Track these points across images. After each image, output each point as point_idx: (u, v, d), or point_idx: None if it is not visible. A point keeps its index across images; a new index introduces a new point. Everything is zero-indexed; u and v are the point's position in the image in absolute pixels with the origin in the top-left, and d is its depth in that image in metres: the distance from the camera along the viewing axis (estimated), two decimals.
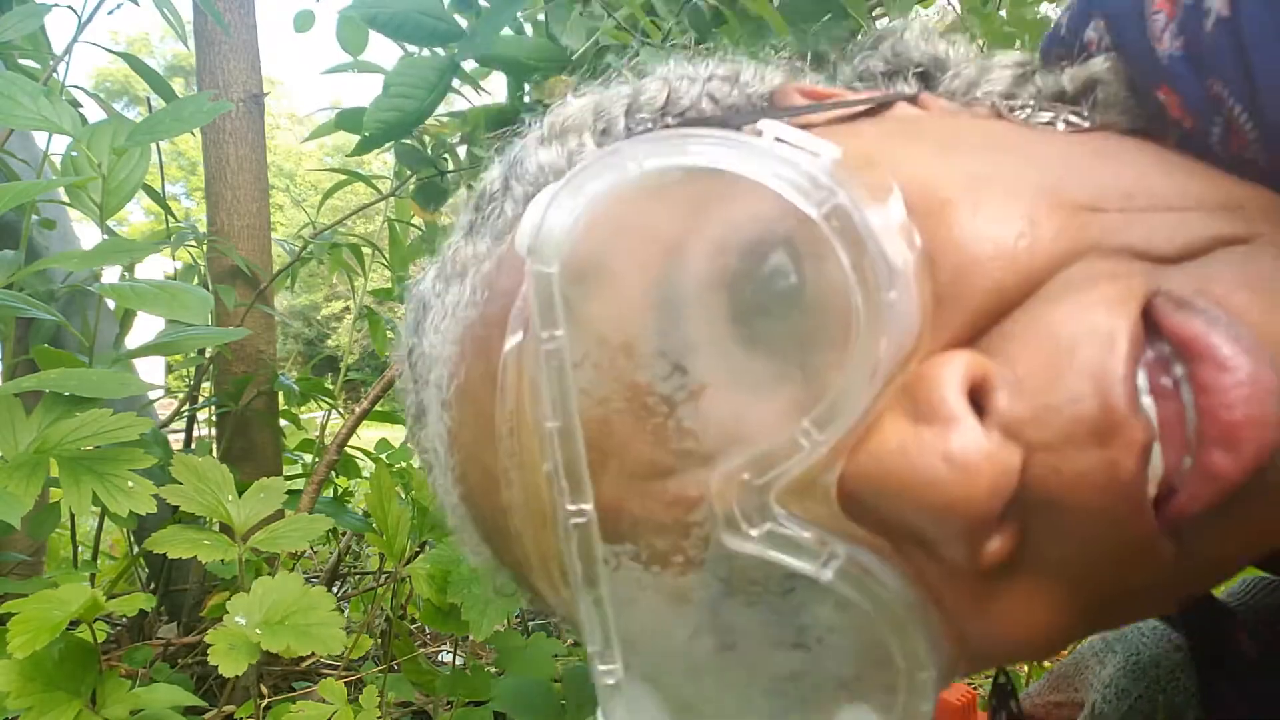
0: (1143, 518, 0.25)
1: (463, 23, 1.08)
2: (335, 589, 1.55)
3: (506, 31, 1.08)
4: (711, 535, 0.28)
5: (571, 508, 0.28)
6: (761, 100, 0.39)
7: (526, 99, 1.18)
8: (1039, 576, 0.27)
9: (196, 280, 1.57)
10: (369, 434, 1.74)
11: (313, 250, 1.59)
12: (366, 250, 1.71)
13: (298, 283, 1.78)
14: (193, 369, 1.53)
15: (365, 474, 1.48)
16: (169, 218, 1.51)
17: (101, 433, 0.81)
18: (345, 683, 0.95)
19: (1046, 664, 1.11)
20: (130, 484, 0.78)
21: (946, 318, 0.27)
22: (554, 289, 0.27)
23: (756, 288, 0.28)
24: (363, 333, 1.80)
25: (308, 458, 1.62)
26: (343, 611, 1.18)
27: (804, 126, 0.31)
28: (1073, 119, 0.36)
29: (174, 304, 0.90)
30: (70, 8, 1.15)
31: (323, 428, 1.66)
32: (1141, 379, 0.25)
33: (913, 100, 0.38)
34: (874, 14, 1.07)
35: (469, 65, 1.12)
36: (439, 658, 1.38)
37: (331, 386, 1.65)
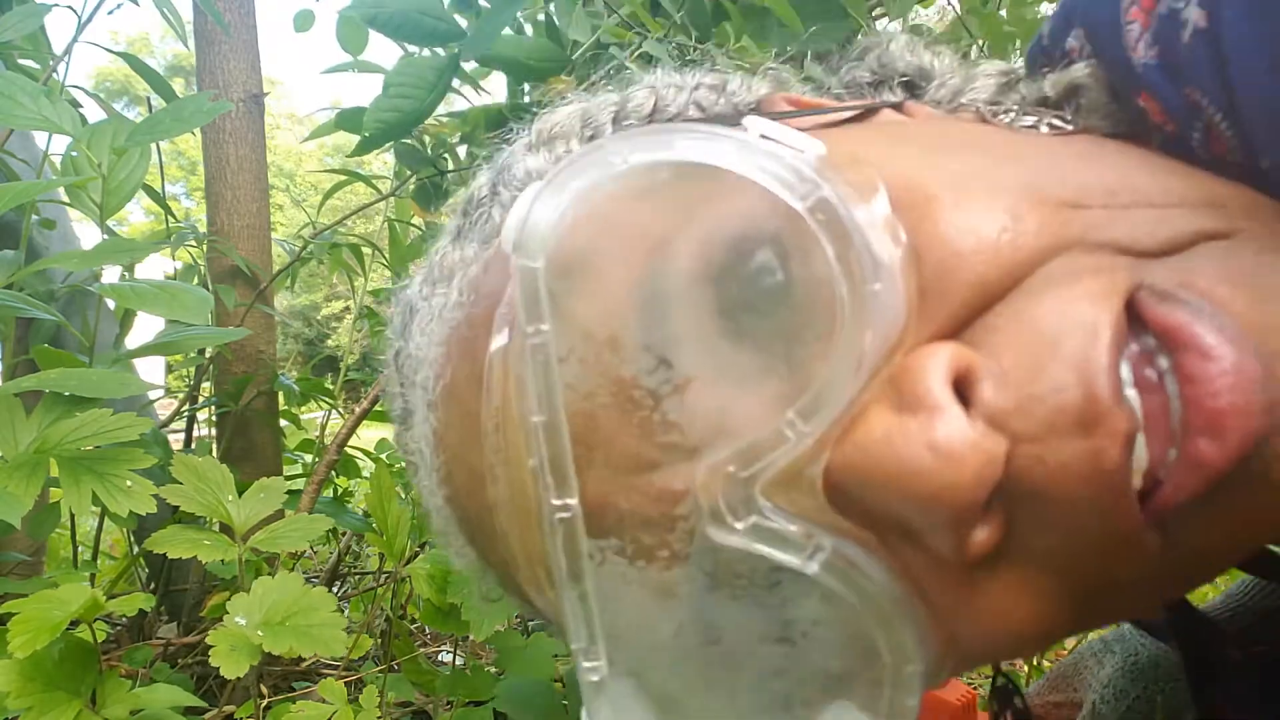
0: (1127, 508, 0.25)
1: (463, 23, 1.08)
2: (335, 589, 1.55)
3: (506, 31, 1.08)
4: (697, 529, 0.28)
5: (556, 502, 0.28)
6: (748, 108, 0.40)
7: (527, 99, 1.18)
8: (1025, 569, 0.27)
9: (196, 280, 1.57)
10: (369, 434, 1.74)
11: (313, 250, 1.59)
12: (366, 250, 1.71)
13: (298, 283, 1.78)
14: (193, 369, 1.53)
15: (365, 474, 1.48)
16: (169, 218, 1.51)
17: (101, 433, 0.81)
18: (345, 683, 0.95)
19: (1046, 664, 1.12)
20: (130, 484, 0.78)
21: (931, 310, 0.27)
22: (539, 284, 0.27)
23: (742, 281, 0.28)
24: (363, 333, 1.80)
25: (308, 458, 1.62)
26: (343, 611, 1.18)
27: None
28: (1056, 123, 0.37)
29: (174, 304, 0.90)
30: (70, 8, 1.14)
31: (323, 428, 1.66)
32: (1125, 371, 0.26)
33: (898, 108, 0.38)
34: (874, 14, 1.07)
35: (469, 65, 1.12)
36: (439, 658, 1.38)
37: (331, 386, 1.65)
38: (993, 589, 0.28)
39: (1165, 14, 0.30)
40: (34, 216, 1.09)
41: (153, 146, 1.03)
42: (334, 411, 1.66)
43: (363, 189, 1.69)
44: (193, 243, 1.54)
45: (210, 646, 0.74)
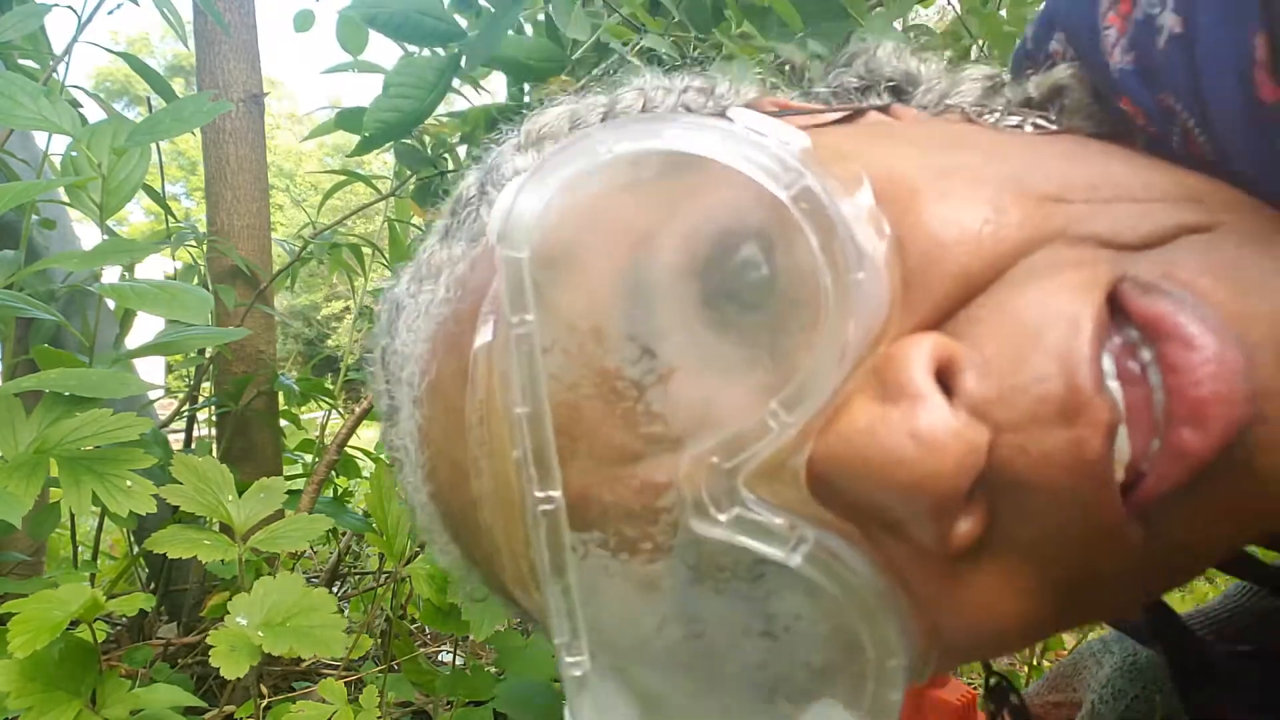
0: (1109, 499, 0.25)
1: (463, 23, 1.08)
2: (335, 589, 1.55)
3: (507, 31, 1.08)
4: (680, 521, 0.28)
5: (540, 494, 0.28)
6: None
7: (527, 99, 1.18)
8: (1008, 561, 0.27)
9: (196, 280, 1.57)
10: (369, 434, 1.74)
11: (313, 250, 1.59)
12: (366, 250, 1.71)
13: (298, 283, 1.78)
14: (193, 369, 1.53)
15: (365, 474, 1.48)
16: (169, 218, 1.51)
17: (101, 433, 0.81)
18: (345, 683, 0.95)
19: (1046, 664, 1.12)
20: (130, 484, 0.78)
21: (915, 301, 0.27)
22: (524, 274, 0.27)
23: (726, 271, 0.28)
24: (363, 333, 1.80)
25: (308, 458, 1.62)
26: (343, 611, 1.18)
27: None
28: (1040, 123, 0.37)
29: (174, 304, 0.90)
30: (70, 8, 1.15)
31: (323, 428, 1.66)
32: (1108, 363, 0.26)
33: (885, 111, 0.38)
34: (874, 14, 1.07)
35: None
36: (439, 658, 1.38)
37: (331, 386, 1.65)
38: (976, 581, 0.28)
39: (1141, 19, 0.30)
40: (34, 216, 1.09)
41: (153, 146, 1.03)
42: (334, 411, 1.66)
43: (363, 189, 1.69)
44: (193, 243, 1.54)
45: (210, 646, 0.74)
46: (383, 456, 1.46)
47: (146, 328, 1.36)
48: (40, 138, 1.27)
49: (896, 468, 0.25)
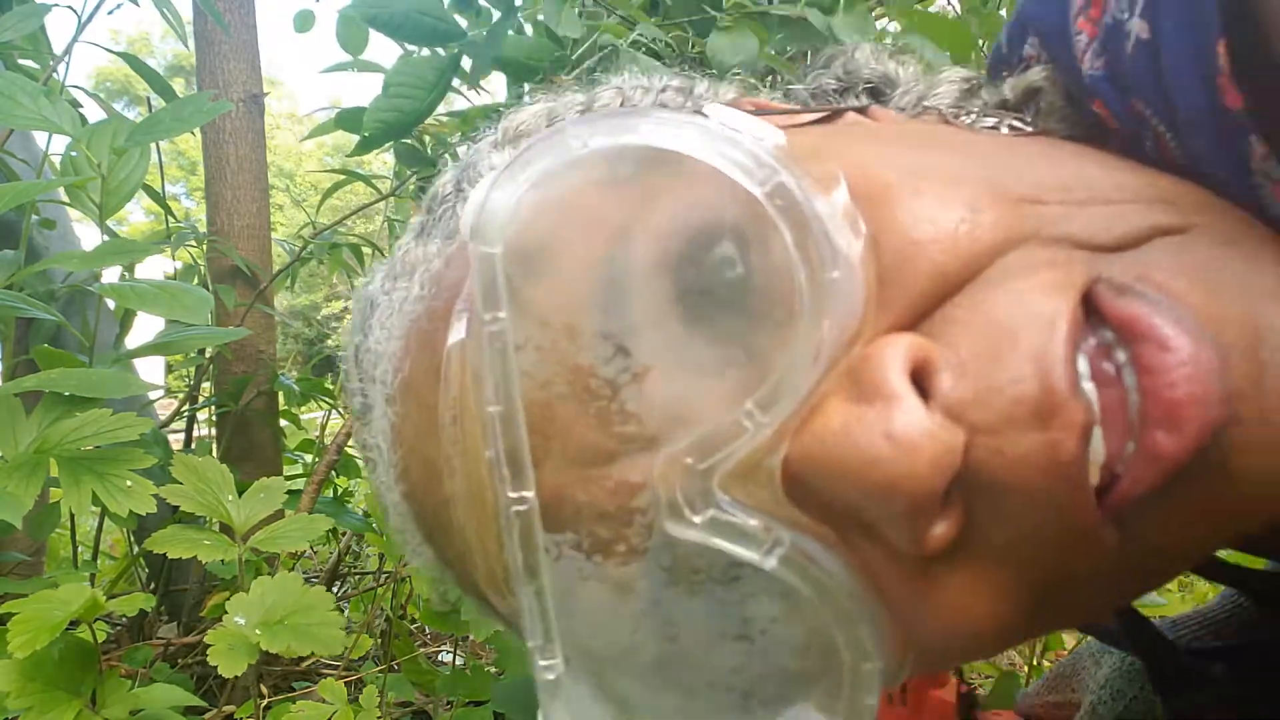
0: (1083, 501, 0.25)
1: (463, 23, 1.08)
2: (335, 589, 1.55)
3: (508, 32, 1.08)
4: (655, 522, 0.28)
5: (513, 495, 0.27)
6: None
7: (527, 99, 1.18)
8: (983, 564, 0.27)
9: (196, 280, 1.57)
10: None
11: (313, 250, 1.59)
12: (366, 250, 1.71)
13: (298, 283, 1.78)
14: (193, 369, 1.53)
15: (365, 474, 1.48)
16: (169, 218, 1.51)
17: (101, 433, 0.81)
18: (345, 683, 0.95)
19: (1046, 664, 1.12)
20: (130, 484, 0.78)
21: (890, 300, 0.27)
22: (497, 270, 0.27)
23: (700, 268, 0.28)
24: None
25: (308, 458, 1.62)
26: (343, 611, 1.18)
27: None
28: (1016, 124, 0.37)
29: (174, 304, 0.90)
30: (70, 8, 1.15)
31: (323, 428, 1.66)
32: (1083, 365, 0.26)
33: (863, 112, 0.38)
34: (873, 14, 1.07)
35: (468, 64, 1.12)
36: (439, 658, 1.39)
37: (331, 386, 1.65)
38: (951, 584, 0.27)
39: (1111, 24, 0.30)
40: (34, 216, 1.09)
41: (152, 146, 1.03)
42: (334, 411, 1.66)
43: (363, 189, 1.69)
44: (193, 243, 1.54)
45: (210, 646, 0.74)
46: None
47: (146, 328, 1.36)
48: (40, 138, 1.27)
49: (871, 468, 0.25)
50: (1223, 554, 0.46)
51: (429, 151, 1.35)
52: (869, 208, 0.27)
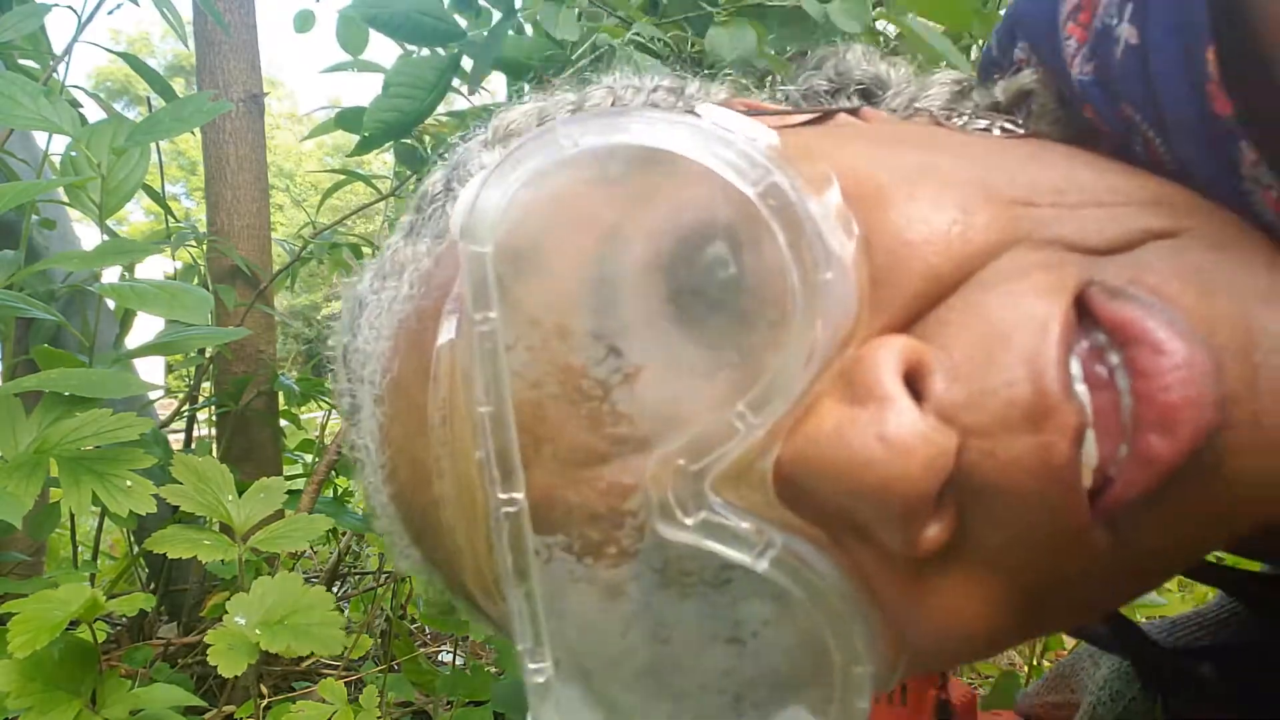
0: (1076, 504, 0.25)
1: (462, 23, 1.08)
2: (335, 589, 1.55)
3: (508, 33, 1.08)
4: (646, 524, 0.28)
5: (503, 496, 0.27)
6: None
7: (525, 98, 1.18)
8: (975, 567, 0.27)
9: (196, 280, 1.57)
10: None
11: (313, 250, 1.59)
12: (366, 250, 1.71)
13: (298, 283, 1.78)
14: (193, 369, 1.53)
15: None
16: (169, 218, 1.51)
17: (101, 433, 0.81)
18: (345, 683, 0.95)
19: (1046, 664, 1.12)
20: (130, 484, 0.78)
21: (883, 301, 0.27)
22: (487, 269, 0.27)
23: (693, 268, 0.27)
24: None
25: (308, 458, 1.62)
26: (343, 611, 1.18)
27: None
28: (1008, 126, 0.37)
29: (174, 304, 0.90)
30: (70, 8, 1.15)
31: (323, 428, 1.66)
32: (1075, 367, 0.26)
33: (854, 113, 0.38)
34: (873, 14, 1.07)
35: (468, 64, 1.13)
36: (439, 658, 1.39)
37: (332, 386, 1.65)
38: (943, 587, 0.27)
39: (1100, 29, 0.30)
40: (34, 216, 1.10)
41: (152, 146, 1.03)
42: (334, 411, 1.66)
43: (363, 189, 1.69)
44: (193, 243, 1.54)
45: (210, 646, 0.74)
46: None
47: (146, 328, 1.36)
48: (40, 138, 1.27)
49: (864, 470, 0.25)
50: (1217, 556, 0.46)
51: (429, 151, 1.35)
52: (862, 209, 0.27)
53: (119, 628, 1.19)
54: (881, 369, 0.25)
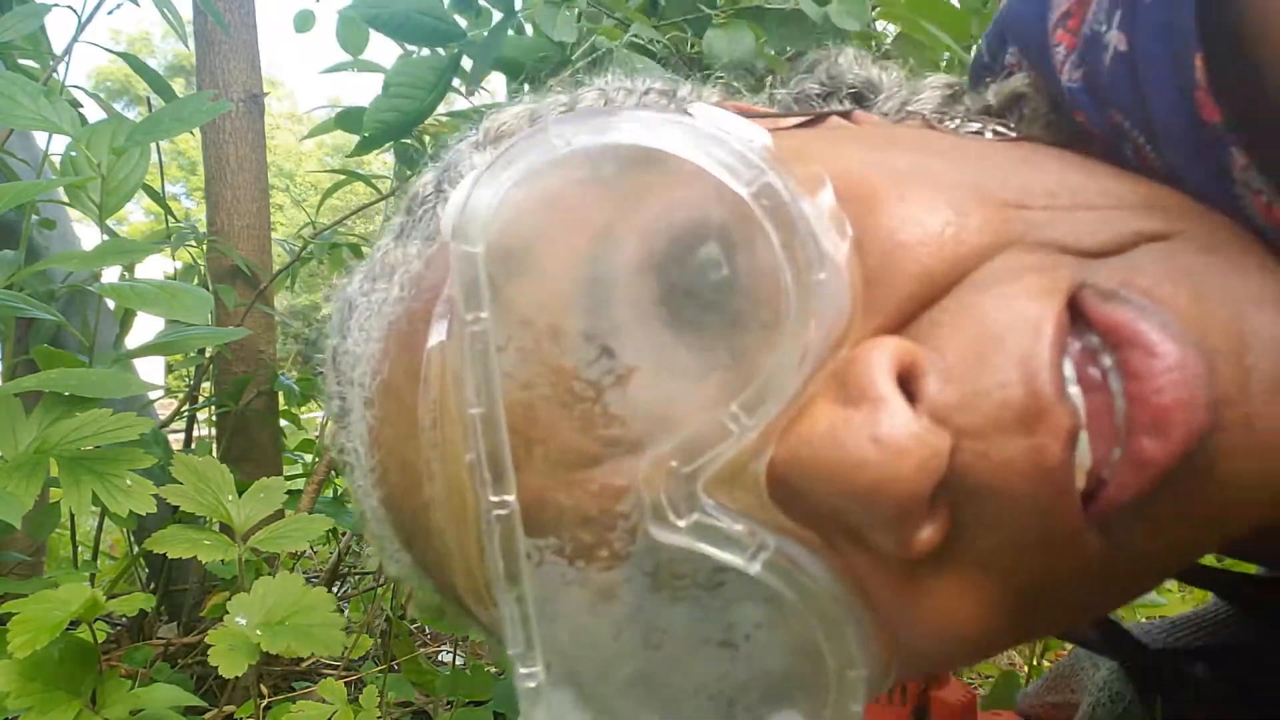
0: (1069, 506, 0.25)
1: (463, 23, 1.08)
2: (335, 589, 1.55)
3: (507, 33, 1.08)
4: (638, 527, 0.28)
5: (494, 499, 0.27)
6: None
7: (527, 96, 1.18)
8: (968, 569, 0.27)
9: (196, 280, 1.57)
10: None
11: (313, 250, 1.59)
12: (366, 250, 1.71)
13: (298, 283, 1.78)
14: (193, 369, 1.53)
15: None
16: (169, 218, 1.51)
17: (101, 433, 0.81)
18: (345, 683, 0.95)
19: (1046, 664, 1.12)
20: (130, 484, 0.78)
21: (876, 302, 0.27)
22: (479, 269, 0.27)
23: (686, 268, 0.27)
24: None
25: (308, 458, 1.62)
26: (343, 611, 1.18)
27: None
28: (1000, 129, 0.37)
29: (174, 304, 0.90)
30: (70, 8, 1.15)
31: (323, 428, 1.66)
32: (1069, 369, 0.26)
33: (846, 116, 0.38)
34: (874, 13, 1.07)
35: (468, 64, 1.13)
36: (439, 658, 1.39)
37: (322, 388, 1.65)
38: (936, 589, 0.27)
39: (1089, 36, 0.30)
40: (34, 216, 1.10)
41: (152, 146, 1.03)
42: None
43: (363, 189, 1.69)
44: (193, 243, 1.54)
45: (210, 646, 0.74)
46: None
47: (146, 328, 1.36)
48: (40, 138, 1.27)
49: (858, 471, 0.25)
50: (1217, 557, 0.47)
51: (429, 151, 1.34)
52: (854, 210, 0.27)
53: (119, 628, 1.19)
54: (875, 370, 0.25)
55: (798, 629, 0.28)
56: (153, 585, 1.32)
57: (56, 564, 1.39)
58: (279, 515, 0.97)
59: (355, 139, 1.14)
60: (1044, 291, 0.26)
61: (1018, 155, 0.33)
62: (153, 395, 1.38)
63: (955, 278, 0.27)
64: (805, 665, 0.28)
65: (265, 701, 0.98)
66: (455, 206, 0.27)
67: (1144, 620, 0.58)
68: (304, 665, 1.24)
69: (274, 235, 1.59)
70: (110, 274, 1.21)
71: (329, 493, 1.48)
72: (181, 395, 1.59)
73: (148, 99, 1.34)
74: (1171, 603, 1.12)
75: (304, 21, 1.68)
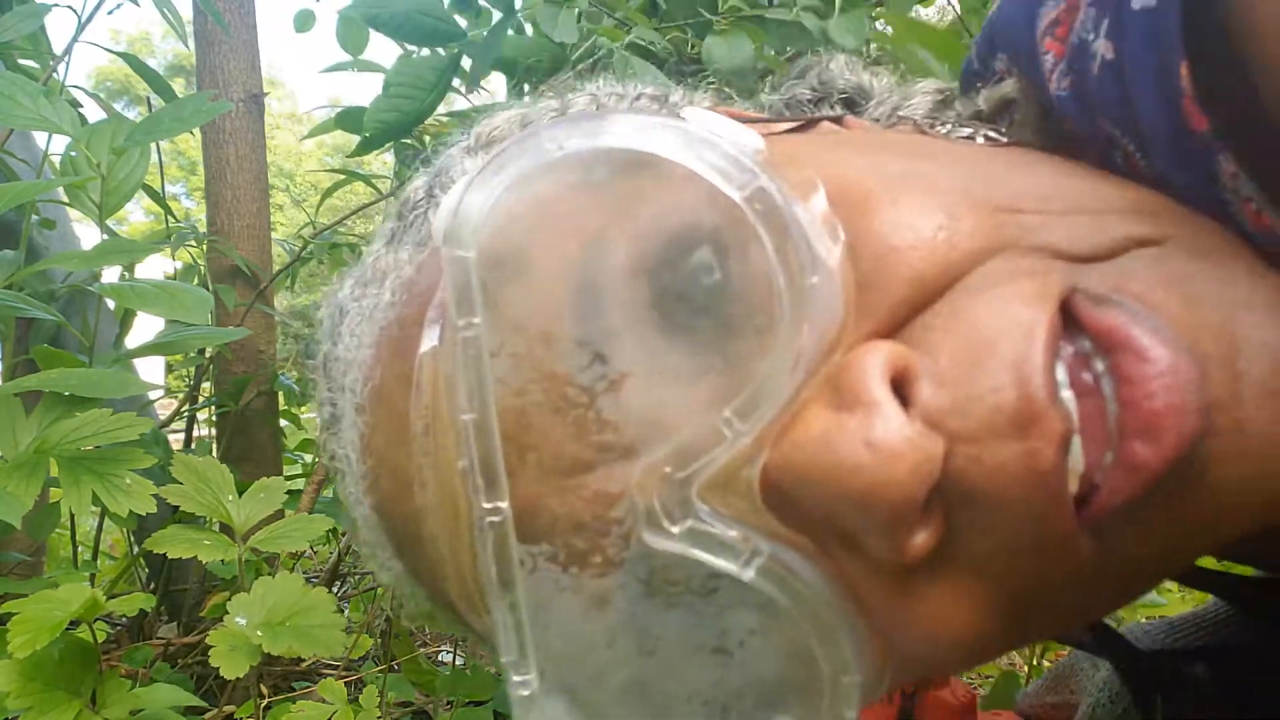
0: (1062, 510, 0.25)
1: (463, 23, 1.08)
2: (335, 589, 1.55)
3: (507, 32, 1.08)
4: (632, 533, 0.27)
5: (487, 506, 0.26)
6: None
7: (527, 99, 1.18)
8: (962, 573, 0.27)
9: (196, 280, 1.57)
10: None
11: (313, 250, 1.59)
12: (366, 250, 1.71)
13: (298, 283, 1.78)
14: (193, 369, 1.53)
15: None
16: (169, 218, 1.51)
17: (101, 433, 0.81)
18: (345, 683, 0.95)
19: (1046, 664, 1.12)
20: (130, 484, 0.78)
21: (869, 307, 0.27)
22: (471, 274, 0.26)
23: (679, 273, 0.27)
24: None
25: (308, 458, 1.62)
26: (343, 611, 1.18)
27: None
28: (991, 135, 0.37)
29: (174, 304, 0.90)
30: (70, 8, 1.15)
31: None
32: (1061, 374, 0.26)
33: (837, 121, 0.38)
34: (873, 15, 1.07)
35: (468, 64, 1.13)
36: (439, 658, 1.39)
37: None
38: (930, 595, 0.27)
39: (1077, 44, 0.30)
40: (34, 216, 1.10)
41: (152, 146, 1.03)
42: None
43: (363, 189, 1.69)
44: (193, 243, 1.54)
45: (210, 646, 0.74)
46: None
47: (146, 328, 1.36)
48: (40, 138, 1.27)
49: (852, 476, 0.24)
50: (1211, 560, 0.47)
51: (429, 151, 1.35)
52: (847, 214, 0.27)
53: (119, 628, 1.19)
54: (868, 375, 0.25)
55: (792, 635, 0.28)
56: (153, 585, 1.32)
57: (56, 564, 1.40)
58: (279, 515, 0.97)
59: (355, 139, 1.14)
60: (1037, 296, 0.26)
61: (1009, 160, 0.33)
62: (153, 395, 1.38)
63: (948, 282, 0.27)
64: (799, 671, 0.28)
65: (265, 701, 0.98)
66: (447, 211, 0.27)
67: (1144, 620, 0.58)
68: (304, 665, 1.24)
69: (274, 235, 1.59)
70: (110, 274, 1.21)
71: (329, 492, 1.48)
72: (181, 395, 1.59)
73: (148, 99, 1.34)
74: (1171, 603, 1.12)
75: (304, 21, 1.68)
